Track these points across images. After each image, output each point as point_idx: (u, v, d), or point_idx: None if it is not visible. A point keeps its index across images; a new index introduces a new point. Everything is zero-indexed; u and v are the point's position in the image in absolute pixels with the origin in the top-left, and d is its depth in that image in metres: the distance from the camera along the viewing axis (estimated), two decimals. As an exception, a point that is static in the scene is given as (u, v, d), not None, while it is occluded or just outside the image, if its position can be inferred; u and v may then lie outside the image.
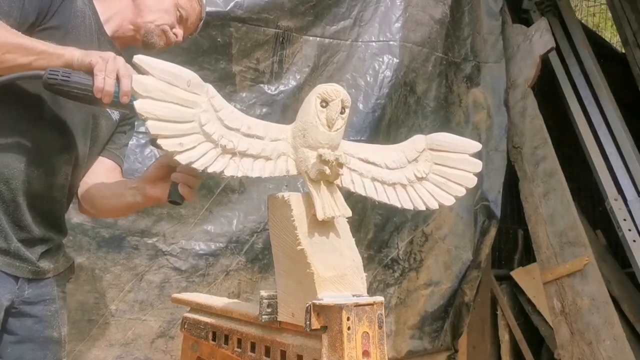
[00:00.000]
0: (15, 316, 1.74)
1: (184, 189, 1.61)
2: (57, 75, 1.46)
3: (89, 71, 1.47)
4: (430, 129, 3.56)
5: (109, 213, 2.04)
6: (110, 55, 1.49)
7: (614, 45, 6.23)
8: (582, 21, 5.84)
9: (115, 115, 1.93)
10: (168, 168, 1.63)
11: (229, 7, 2.93)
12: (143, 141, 2.75)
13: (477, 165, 1.65)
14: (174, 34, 1.97)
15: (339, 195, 1.41)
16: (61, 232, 1.88)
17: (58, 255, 1.87)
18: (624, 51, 5.17)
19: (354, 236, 1.44)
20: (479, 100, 3.96)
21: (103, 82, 1.45)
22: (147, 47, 1.92)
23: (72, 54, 1.51)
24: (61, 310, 1.87)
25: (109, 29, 1.88)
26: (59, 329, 1.85)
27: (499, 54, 4.07)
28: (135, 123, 2.13)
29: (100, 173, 1.91)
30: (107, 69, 1.45)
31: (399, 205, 1.53)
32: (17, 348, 1.74)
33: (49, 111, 1.70)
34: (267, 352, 1.44)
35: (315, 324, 1.26)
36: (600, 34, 6.51)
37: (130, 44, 1.95)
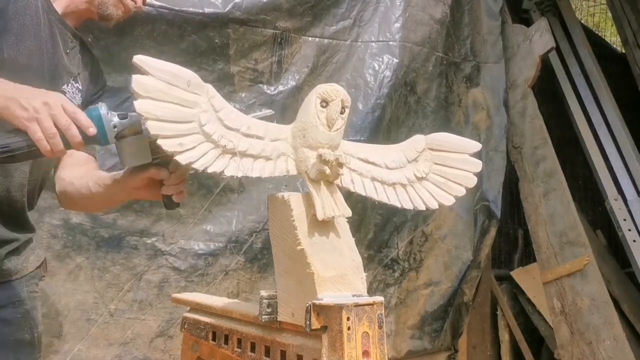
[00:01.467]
0: None
1: (178, 197, 1.57)
2: None
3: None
4: (431, 129, 3.56)
5: (92, 209, 2.00)
6: (42, 109, 1.34)
7: (614, 45, 6.22)
8: (582, 21, 5.83)
9: (76, 100, 1.82)
10: (152, 180, 1.57)
11: (227, 9, 2.93)
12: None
13: (477, 165, 1.65)
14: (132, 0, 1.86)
15: (339, 195, 1.41)
16: (26, 230, 1.82)
17: (26, 254, 1.81)
18: (624, 51, 5.17)
19: (354, 236, 1.44)
20: (479, 101, 3.96)
21: (49, 146, 1.35)
22: (104, 19, 1.83)
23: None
24: (33, 310, 1.82)
25: (59, 6, 1.78)
26: (30, 331, 1.80)
27: (498, 54, 4.07)
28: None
29: (74, 166, 1.82)
30: (44, 130, 1.34)
31: (399, 205, 1.53)
32: None
33: None
34: (267, 352, 1.44)
35: (315, 324, 1.26)
36: (600, 34, 6.51)
37: (86, 18, 1.87)
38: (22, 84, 1.42)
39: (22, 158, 1.41)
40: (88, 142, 1.43)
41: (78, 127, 1.38)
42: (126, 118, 1.46)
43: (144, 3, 1.92)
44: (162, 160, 1.52)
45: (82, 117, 1.40)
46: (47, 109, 1.35)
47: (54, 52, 1.72)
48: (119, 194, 1.67)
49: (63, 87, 1.76)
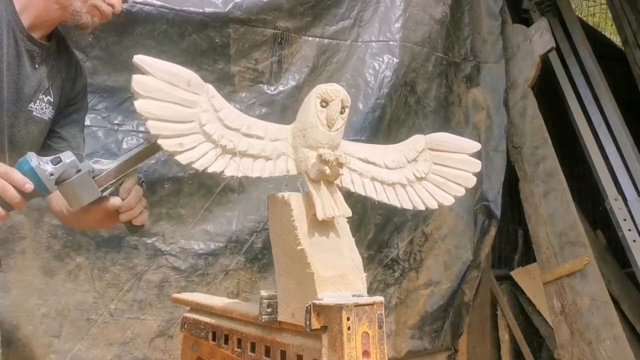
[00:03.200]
0: None
1: (138, 220, 1.56)
2: None
3: None
4: (431, 128, 3.56)
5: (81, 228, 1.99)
6: None
7: (616, 43, 6.21)
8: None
9: (46, 115, 1.79)
10: (110, 212, 1.54)
11: (227, 8, 2.93)
12: (143, 141, 2.74)
13: (477, 165, 1.65)
14: (109, 4, 1.76)
15: (339, 195, 1.41)
16: None
17: None
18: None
19: (354, 236, 1.44)
20: (479, 101, 3.96)
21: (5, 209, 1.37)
22: (80, 28, 1.76)
23: None
24: None
25: (28, 18, 1.71)
26: None
27: (498, 54, 4.07)
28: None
29: None
30: None
31: (399, 205, 1.53)
32: None
33: None
34: (267, 352, 1.44)
35: (315, 324, 1.26)
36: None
37: (61, 22, 1.80)
38: None
39: None
40: (29, 198, 1.42)
41: (15, 187, 1.37)
42: (60, 162, 1.43)
43: (124, 1, 1.84)
44: (112, 189, 1.50)
45: (16, 175, 1.38)
46: None
47: (18, 73, 1.68)
48: (86, 224, 1.68)
49: (29, 105, 1.74)
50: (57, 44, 1.85)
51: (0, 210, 1.37)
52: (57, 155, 1.44)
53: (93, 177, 1.46)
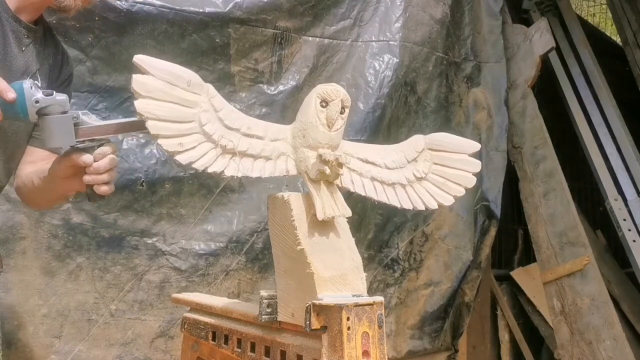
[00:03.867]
0: None
1: (101, 189, 1.53)
2: None
3: None
4: (431, 128, 3.56)
5: (45, 206, 1.96)
6: None
7: (616, 41, 6.20)
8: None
9: None
10: (77, 168, 1.52)
11: (228, 8, 2.93)
12: (143, 141, 2.75)
13: (476, 165, 1.65)
14: None
15: (339, 195, 1.41)
16: None
17: None
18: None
19: (354, 236, 1.44)
20: (480, 100, 3.96)
21: None
22: (63, 11, 1.76)
23: None
24: None
25: (12, 1, 1.71)
26: None
27: (499, 53, 4.07)
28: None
29: (31, 164, 1.80)
30: None
31: (399, 205, 1.53)
32: None
33: None
34: (267, 352, 1.44)
35: (315, 324, 1.26)
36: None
37: (46, 6, 1.80)
38: None
39: None
40: (8, 112, 1.41)
41: None
42: (50, 95, 1.43)
43: None
44: (88, 146, 1.49)
45: (2, 83, 1.39)
46: None
47: (4, 53, 1.68)
48: (54, 187, 1.65)
49: None
50: (44, 31, 1.84)
51: None
52: (52, 91, 1.44)
53: (75, 125, 1.45)
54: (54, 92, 1.44)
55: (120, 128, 1.50)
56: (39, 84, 1.49)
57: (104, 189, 1.53)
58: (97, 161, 1.49)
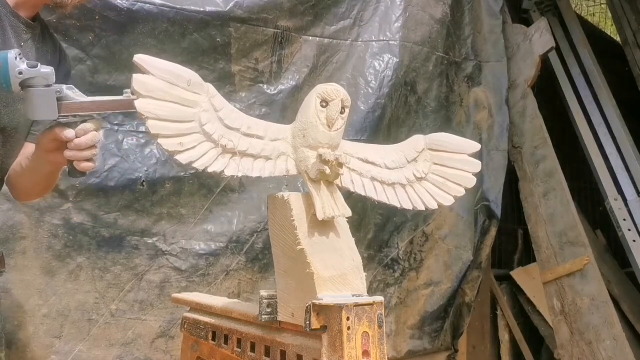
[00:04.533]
0: None
1: (81, 165, 1.52)
2: None
3: None
4: (431, 129, 3.56)
5: (32, 191, 1.92)
6: None
7: (616, 40, 6.20)
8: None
9: None
10: (59, 142, 1.51)
11: (228, 7, 2.93)
12: (143, 141, 2.75)
13: (476, 165, 1.66)
14: None
15: (339, 195, 1.41)
16: None
17: None
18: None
19: (354, 236, 1.44)
20: (481, 100, 3.95)
21: None
22: (60, 7, 1.76)
23: None
24: None
25: None
26: None
27: (500, 52, 4.06)
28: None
29: (23, 155, 1.80)
30: None
31: (399, 206, 1.53)
32: None
33: None
34: (267, 352, 1.44)
35: (315, 324, 1.26)
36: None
37: (43, 4, 1.80)
38: None
39: None
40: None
41: None
42: (35, 67, 1.42)
43: None
44: (71, 121, 1.48)
45: None
46: None
47: (3, 48, 1.64)
48: (41, 163, 1.64)
49: None
50: (42, 29, 1.84)
51: None
52: (37, 63, 1.43)
53: (58, 100, 1.44)
54: (39, 64, 1.43)
55: (105, 106, 1.49)
56: (25, 58, 1.48)
57: (84, 165, 1.52)
58: (78, 137, 1.48)
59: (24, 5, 1.74)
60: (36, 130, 1.80)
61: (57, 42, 1.95)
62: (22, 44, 1.75)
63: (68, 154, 1.50)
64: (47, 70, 1.43)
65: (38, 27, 1.82)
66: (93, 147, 1.51)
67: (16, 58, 1.41)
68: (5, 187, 1.86)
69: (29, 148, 1.80)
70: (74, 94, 1.46)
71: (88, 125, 1.49)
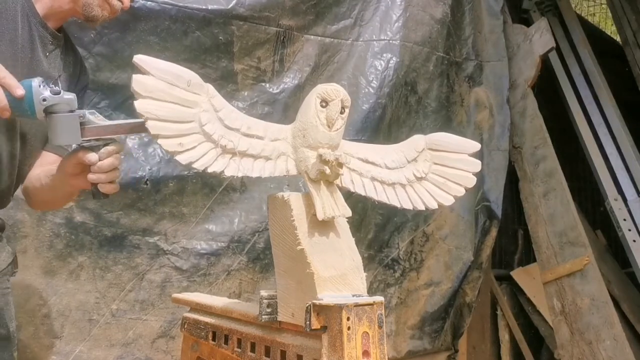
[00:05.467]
0: None
1: (105, 187, 1.56)
2: None
3: None
4: (432, 128, 3.56)
5: (50, 205, 1.98)
6: None
7: (616, 40, 6.20)
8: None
9: None
10: (83, 165, 1.55)
11: (230, 5, 2.93)
12: (147, 140, 2.75)
13: (476, 165, 1.66)
14: (119, 0, 1.81)
15: (339, 195, 1.41)
16: None
17: None
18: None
19: (354, 236, 1.44)
20: (481, 99, 3.95)
21: None
22: (89, 21, 1.80)
23: None
24: (6, 306, 1.83)
25: (42, 7, 1.75)
26: (6, 326, 1.82)
27: (501, 52, 4.06)
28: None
29: (40, 166, 1.84)
30: None
31: (399, 205, 1.53)
32: None
33: None
34: (267, 352, 1.44)
35: (315, 324, 1.26)
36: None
37: (71, 16, 1.84)
38: None
39: None
40: (16, 109, 1.43)
41: (6, 92, 1.40)
42: (58, 94, 1.45)
43: (132, 1, 1.88)
44: (94, 145, 1.52)
45: (10, 80, 1.41)
46: None
47: (31, 57, 1.71)
48: (61, 184, 1.68)
49: None
50: (65, 40, 1.88)
51: None
52: (59, 89, 1.46)
53: (81, 124, 1.47)
54: (62, 91, 1.46)
55: (126, 129, 1.52)
56: (49, 83, 1.52)
57: (108, 188, 1.56)
58: (101, 160, 1.52)
59: (53, 17, 1.78)
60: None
61: (78, 54, 1.99)
62: (47, 54, 1.79)
63: (92, 177, 1.53)
64: (70, 96, 1.47)
65: (62, 38, 1.85)
66: (115, 169, 1.55)
67: (40, 85, 1.44)
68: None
69: (46, 157, 1.84)
70: (95, 118, 1.50)
71: (110, 148, 1.53)
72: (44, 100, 1.44)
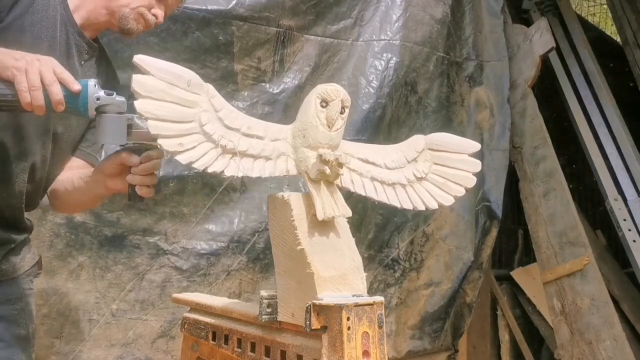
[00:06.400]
0: None
1: (142, 190, 1.60)
2: None
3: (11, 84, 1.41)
4: (432, 128, 3.56)
5: (76, 207, 2.01)
6: (32, 61, 1.41)
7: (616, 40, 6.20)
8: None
9: None
10: (123, 166, 1.61)
11: (230, 5, 2.93)
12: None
13: (477, 165, 1.66)
14: (153, 14, 1.84)
15: (339, 195, 1.41)
16: (23, 231, 1.83)
17: (23, 253, 1.82)
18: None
19: (354, 236, 1.44)
20: (482, 99, 3.95)
21: (29, 98, 1.39)
22: (125, 33, 1.83)
23: None
24: (28, 307, 1.83)
25: (79, 17, 1.78)
26: (26, 327, 1.82)
27: (501, 52, 4.06)
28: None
29: (70, 169, 1.86)
30: (29, 82, 1.39)
31: (399, 205, 1.53)
32: None
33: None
34: (267, 352, 1.44)
35: (315, 324, 1.26)
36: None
37: (106, 28, 1.87)
38: None
39: (2, 107, 1.45)
40: (70, 104, 1.46)
41: (63, 87, 1.43)
42: (111, 95, 1.50)
43: (166, 17, 1.92)
44: (136, 148, 1.58)
45: (68, 76, 1.44)
46: (37, 64, 1.41)
47: (67, 64, 1.72)
48: (96, 185, 1.71)
49: None
50: (100, 49, 1.92)
51: (39, 98, 1.40)
52: (112, 91, 1.52)
53: (128, 127, 1.54)
54: (114, 93, 1.51)
55: None
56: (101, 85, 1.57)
57: (144, 191, 1.60)
58: (142, 163, 1.58)
59: (90, 27, 1.82)
60: (84, 146, 1.88)
61: (111, 64, 2.01)
62: (83, 62, 1.82)
63: (131, 178, 1.59)
64: (121, 99, 1.52)
65: (97, 48, 1.89)
66: (153, 174, 1.60)
67: (95, 85, 1.49)
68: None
69: (75, 162, 1.87)
70: (141, 123, 1.54)
71: (152, 153, 1.58)
72: (98, 99, 1.49)
